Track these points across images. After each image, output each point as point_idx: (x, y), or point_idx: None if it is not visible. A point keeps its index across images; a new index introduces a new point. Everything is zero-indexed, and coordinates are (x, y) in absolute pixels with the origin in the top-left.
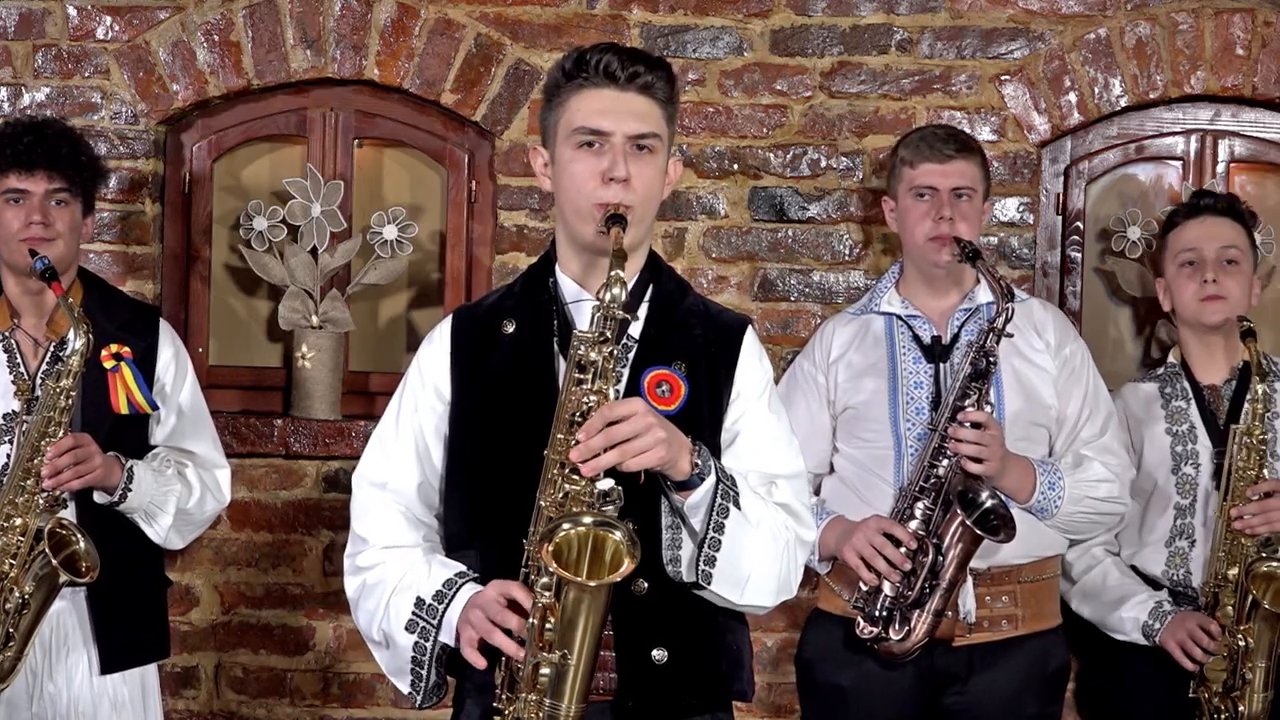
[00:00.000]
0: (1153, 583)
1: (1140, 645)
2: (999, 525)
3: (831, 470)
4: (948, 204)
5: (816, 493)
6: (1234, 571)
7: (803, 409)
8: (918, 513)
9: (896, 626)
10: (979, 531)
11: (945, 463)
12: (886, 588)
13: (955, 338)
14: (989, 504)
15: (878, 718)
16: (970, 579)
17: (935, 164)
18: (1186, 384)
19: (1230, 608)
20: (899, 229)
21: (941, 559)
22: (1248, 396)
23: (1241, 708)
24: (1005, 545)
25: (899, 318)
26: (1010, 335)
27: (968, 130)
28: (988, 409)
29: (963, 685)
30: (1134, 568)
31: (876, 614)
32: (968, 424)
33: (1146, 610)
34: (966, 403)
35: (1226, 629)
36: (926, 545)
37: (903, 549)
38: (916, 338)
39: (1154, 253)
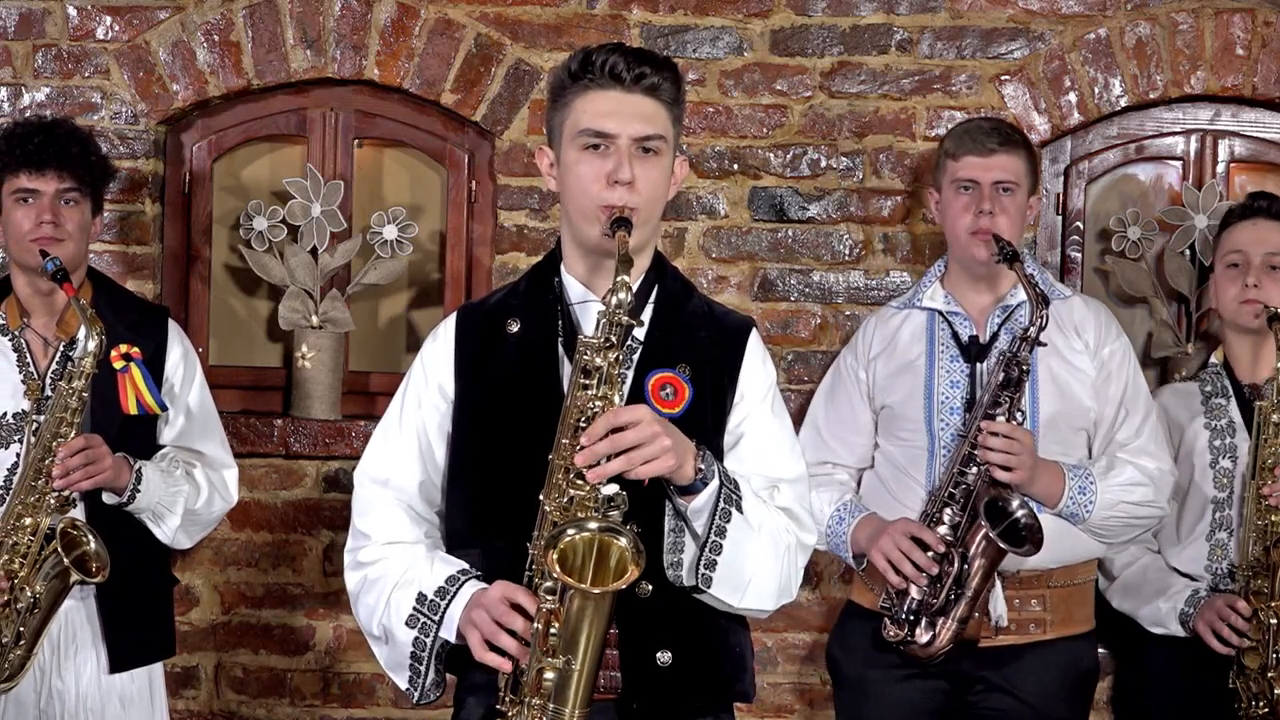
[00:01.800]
0: (1191, 580)
1: (1175, 639)
2: (1025, 537)
3: (872, 465)
4: (989, 198)
5: (856, 487)
6: (1263, 550)
7: (845, 404)
8: (945, 519)
9: (921, 630)
10: (1003, 545)
11: (974, 470)
12: (913, 591)
13: (994, 337)
14: (1017, 514)
15: (903, 715)
16: (1000, 582)
17: (977, 157)
18: (1227, 382)
19: (1265, 590)
20: (942, 222)
21: (966, 568)
22: (1273, 377)
23: (1278, 690)
24: None
25: (940, 314)
26: (1044, 344)
27: None
28: (1019, 417)
29: (988, 686)
30: (1174, 569)
31: (903, 616)
32: (992, 433)
33: (1184, 599)
34: (997, 411)
35: (1260, 610)
36: (952, 554)
37: (930, 554)
38: (955, 335)
39: (1204, 244)
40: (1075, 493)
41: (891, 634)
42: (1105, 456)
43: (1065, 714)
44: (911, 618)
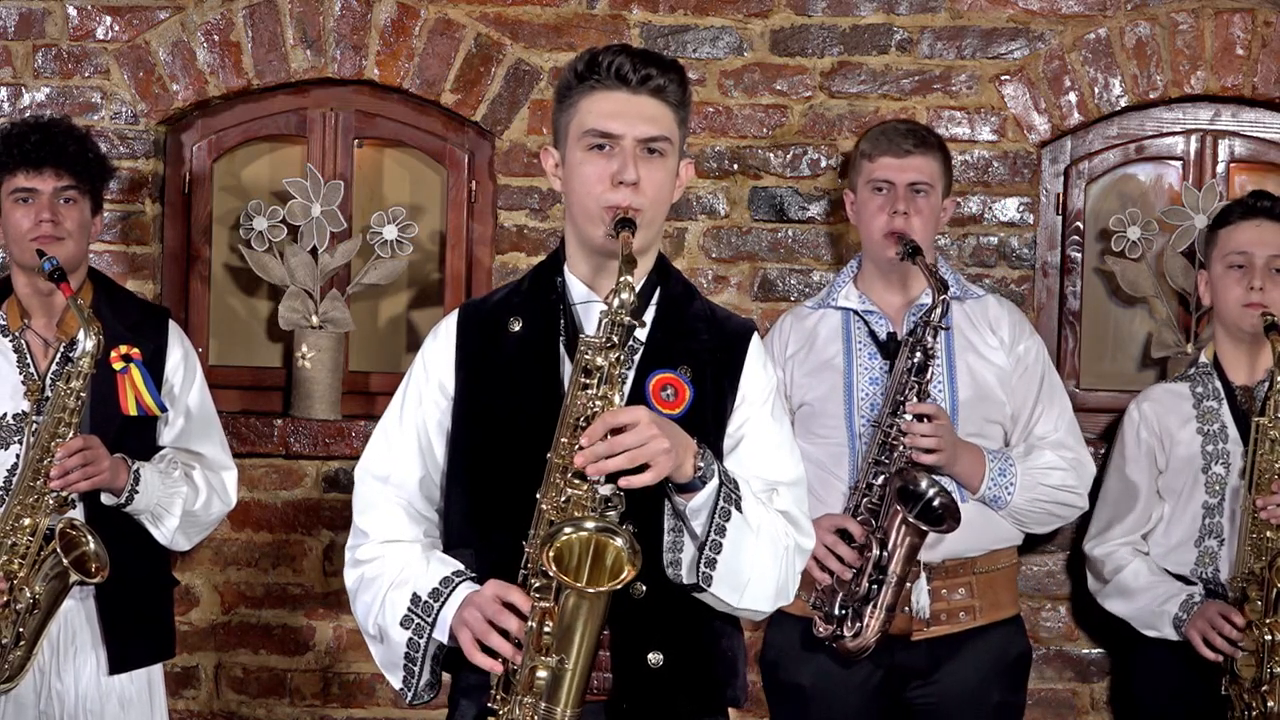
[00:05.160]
0: (1183, 582)
1: (1169, 642)
2: (943, 515)
3: None
4: (903, 198)
5: None
6: (1260, 565)
7: None
8: (864, 509)
9: (850, 624)
10: (922, 525)
11: (891, 456)
12: (839, 585)
13: (910, 333)
14: (928, 493)
15: (841, 716)
16: (924, 574)
17: (892, 158)
18: (1218, 384)
19: (1259, 602)
20: (856, 223)
21: (885, 553)
22: (1269, 389)
23: (1271, 703)
24: (958, 538)
25: (856, 313)
26: (946, 328)
27: (968, 130)
28: (929, 402)
29: (925, 679)
30: (1164, 570)
31: (835, 612)
32: (916, 416)
33: (1178, 604)
34: (905, 397)
35: (1254, 624)
36: (870, 540)
37: (854, 544)
38: (872, 334)
39: (1202, 243)
40: (996, 475)
41: (822, 631)
42: (1023, 445)
43: (1001, 699)
44: (841, 612)
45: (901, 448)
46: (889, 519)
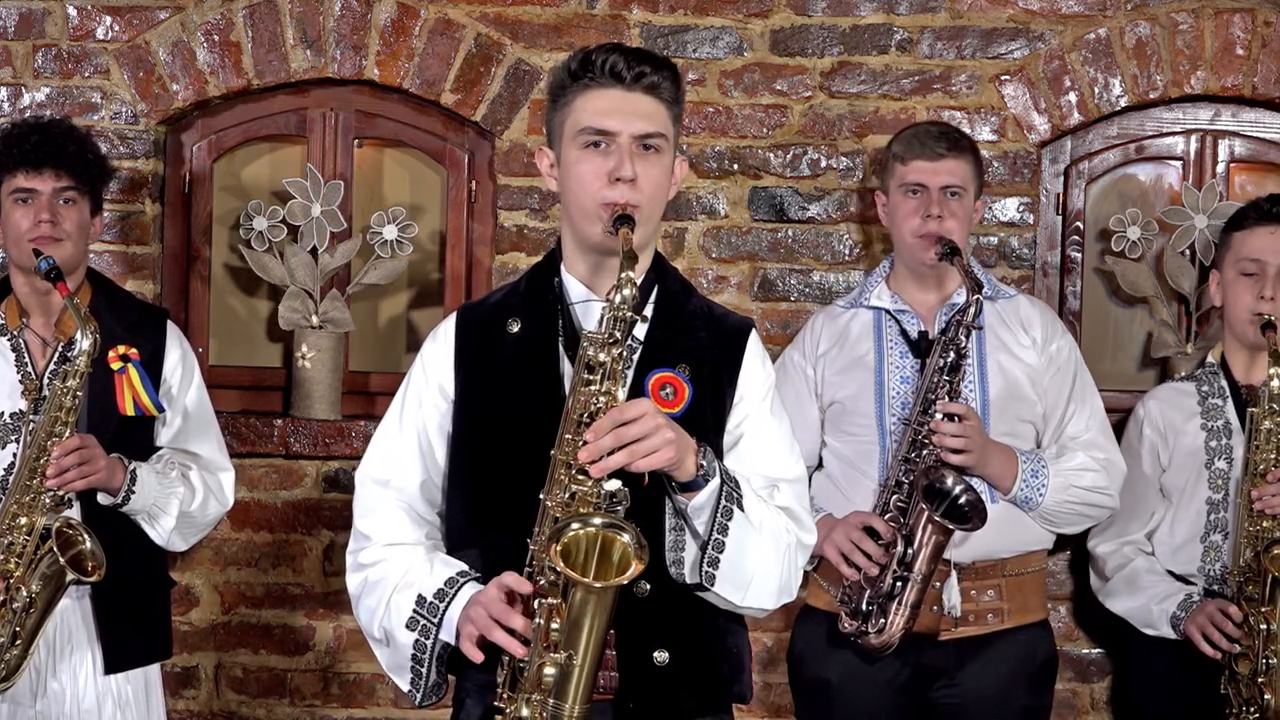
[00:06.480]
0: (1187, 584)
1: (1168, 641)
2: (969, 514)
3: (820, 465)
4: (937, 202)
5: None
6: (1255, 554)
7: (793, 401)
8: (893, 506)
9: (874, 620)
10: (948, 523)
11: (921, 454)
12: (866, 582)
13: (943, 332)
14: (954, 490)
15: (865, 712)
16: (955, 573)
17: (926, 161)
18: (1224, 383)
19: (1256, 595)
20: (889, 224)
21: (910, 550)
22: (1265, 384)
23: (1268, 695)
24: (989, 539)
25: (888, 312)
26: (979, 328)
27: (968, 130)
28: (959, 402)
29: (950, 679)
30: (1170, 571)
31: (861, 609)
32: (945, 415)
33: (1176, 602)
34: (937, 396)
35: (1250, 615)
36: (896, 537)
37: (881, 542)
38: (904, 332)
39: (1204, 243)
40: (1028, 476)
41: (847, 627)
42: (1055, 445)
43: (1027, 702)
44: (867, 609)
45: (931, 447)
46: (915, 517)
